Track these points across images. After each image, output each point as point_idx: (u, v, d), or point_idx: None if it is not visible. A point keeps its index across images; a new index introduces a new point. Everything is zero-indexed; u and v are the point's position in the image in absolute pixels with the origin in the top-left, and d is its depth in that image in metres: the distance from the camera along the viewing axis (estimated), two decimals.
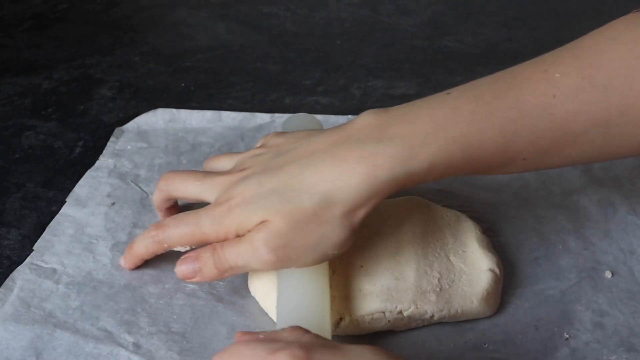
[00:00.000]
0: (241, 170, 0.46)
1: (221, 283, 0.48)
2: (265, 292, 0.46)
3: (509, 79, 0.43)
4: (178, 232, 0.45)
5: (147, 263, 0.49)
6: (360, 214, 0.42)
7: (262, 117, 0.67)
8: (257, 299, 0.47)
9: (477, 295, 0.46)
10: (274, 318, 0.45)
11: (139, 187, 0.58)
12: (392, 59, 0.82)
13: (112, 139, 0.64)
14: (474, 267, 0.48)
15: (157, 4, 0.96)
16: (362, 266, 0.47)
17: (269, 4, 0.95)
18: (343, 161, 0.41)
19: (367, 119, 0.43)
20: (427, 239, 0.49)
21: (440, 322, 0.46)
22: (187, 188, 0.47)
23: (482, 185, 0.58)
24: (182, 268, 0.44)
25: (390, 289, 0.45)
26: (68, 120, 0.68)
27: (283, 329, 0.36)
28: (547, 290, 0.48)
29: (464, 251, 0.49)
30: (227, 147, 0.63)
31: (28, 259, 0.50)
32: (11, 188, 0.58)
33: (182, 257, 0.45)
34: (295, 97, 0.72)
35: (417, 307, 0.44)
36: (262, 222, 0.42)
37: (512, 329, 0.45)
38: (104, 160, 0.61)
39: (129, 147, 0.63)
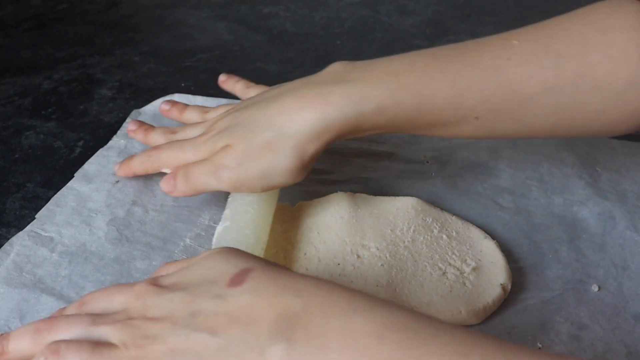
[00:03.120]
0: (229, 109, 0.53)
1: None
2: None
3: (470, 44, 0.46)
4: (168, 154, 0.52)
5: (139, 240, 0.52)
6: (311, 148, 0.45)
7: None
8: None
9: (471, 307, 0.45)
10: None
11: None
12: None
13: (128, 120, 0.66)
14: (482, 279, 0.47)
15: (157, 4, 0.96)
16: (339, 264, 0.48)
17: (269, 4, 0.95)
18: (302, 98, 0.46)
19: (333, 67, 0.48)
20: (433, 249, 0.49)
21: None
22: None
23: (482, 190, 0.58)
24: (163, 184, 0.50)
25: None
26: (68, 120, 0.68)
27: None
28: (528, 299, 0.47)
29: (475, 262, 0.48)
30: None
31: (29, 227, 0.52)
32: (11, 188, 0.58)
33: (165, 176, 0.51)
34: None
35: None
36: (225, 146, 0.47)
37: None
38: (117, 141, 0.63)
39: None
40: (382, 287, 0.46)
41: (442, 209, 0.54)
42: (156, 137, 0.57)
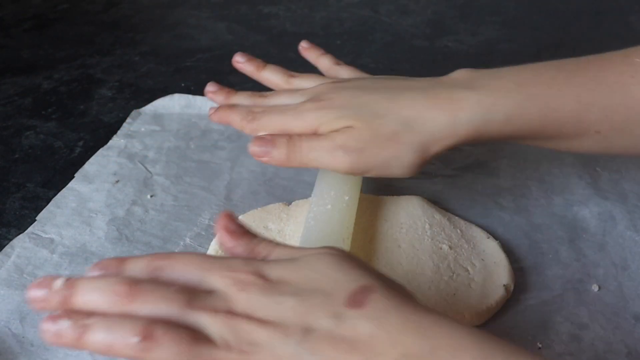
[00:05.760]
0: (333, 82, 0.51)
1: None
2: None
3: (592, 59, 0.47)
4: (268, 118, 0.48)
5: (139, 240, 0.52)
6: (435, 148, 0.45)
7: None
8: None
9: (475, 309, 0.44)
10: None
11: (145, 167, 0.60)
12: (392, 59, 0.82)
13: (128, 120, 0.66)
14: (486, 280, 0.47)
15: (157, 4, 0.96)
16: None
17: (269, 4, 0.95)
18: (433, 98, 0.46)
19: (460, 73, 0.48)
20: (439, 248, 0.49)
21: None
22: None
23: (482, 190, 0.58)
24: (254, 147, 0.47)
25: None
26: (68, 120, 0.68)
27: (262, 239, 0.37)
28: (528, 299, 0.47)
29: (479, 263, 0.48)
30: (237, 135, 0.65)
31: (30, 228, 0.52)
32: (11, 188, 0.58)
33: (258, 136, 0.48)
34: None
35: None
36: (346, 127, 0.46)
37: None
38: (117, 140, 0.64)
39: (142, 129, 0.65)
40: None
41: (444, 208, 0.54)
42: (242, 101, 0.53)
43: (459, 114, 0.45)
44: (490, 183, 0.58)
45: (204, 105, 0.68)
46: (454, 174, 0.60)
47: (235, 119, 0.51)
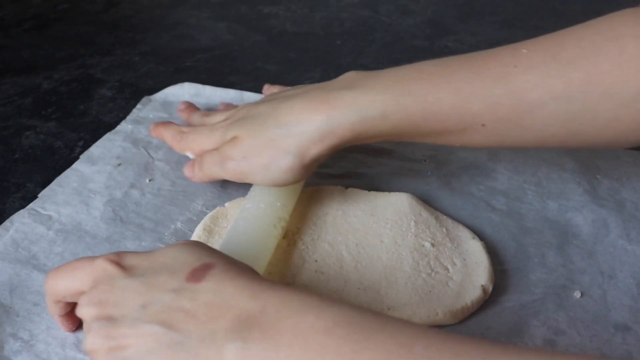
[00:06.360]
0: (247, 104, 0.55)
1: None
2: None
3: (480, 53, 0.46)
4: (190, 137, 0.54)
5: (132, 221, 0.53)
6: (313, 150, 0.46)
7: None
8: None
9: (449, 307, 0.44)
10: None
11: (148, 152, 0.62)
12: (392, 59, 0.82)
13: (138, 106, 0.68)
14: (464, 280, 0.47)
15: (157, 4, 0.96)
16: (316, 260, 0.48)
17: (269, 4, 0.95)
18: (311, 101, 0.47)
19: (347, 74, 0.49)
20: (421, 245, 0.49)
21: None
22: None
23: (476, 191, 0.58)
24: (185, 170, 0.54)
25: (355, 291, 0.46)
26: (68, 120, 0.68)
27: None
28: (507, 302, 0.46)
29: (459, 262, 0.48)
30: None
31: (30, 205, 0.54)
32: (11, 188, 0.58)
33: (188, 162, 0.54)
34: None
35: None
36: (234, 137, 0.49)
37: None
38: (125, 125, 0.65)
39: (150, 115, 0.67)
40: (362, 289, 0.46)
41: (434, 207, 0.54)
42: (193, 119, 0.59)
43: (333, 113, 0.45)
44: (485, 185, 0.58)
45: (212, 94, 0.70)
46: (449, 174, 0.60)
47: (168, 137, 0.56)
